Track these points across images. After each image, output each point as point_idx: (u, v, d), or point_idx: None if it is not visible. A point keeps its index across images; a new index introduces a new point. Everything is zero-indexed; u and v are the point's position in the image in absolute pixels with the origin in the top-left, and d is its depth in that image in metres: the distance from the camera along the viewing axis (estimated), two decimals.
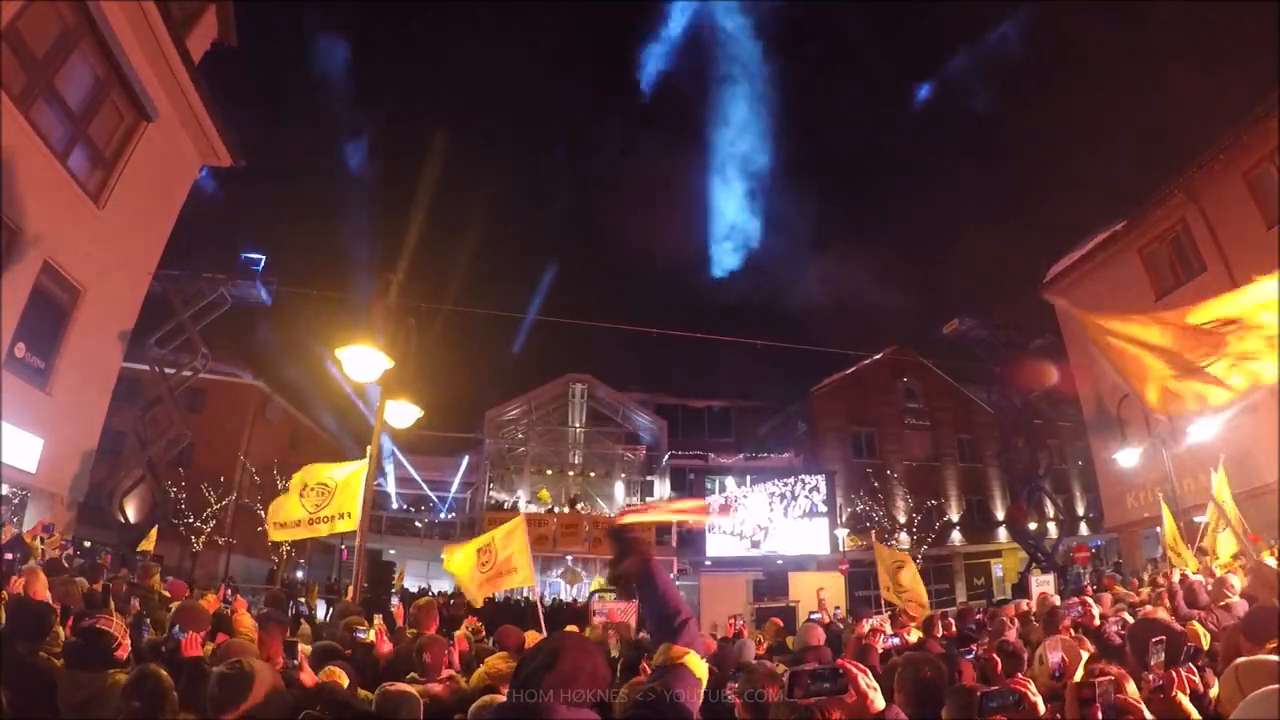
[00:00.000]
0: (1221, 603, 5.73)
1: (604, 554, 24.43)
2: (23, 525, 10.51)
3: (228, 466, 23.18)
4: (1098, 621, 5.21)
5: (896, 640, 6.15)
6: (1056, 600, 8.07)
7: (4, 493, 10.71)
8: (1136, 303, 15.67)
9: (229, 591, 8.44)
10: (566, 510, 25.87)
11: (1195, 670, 2.37)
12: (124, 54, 10.77)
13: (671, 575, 2.00)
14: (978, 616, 7.61)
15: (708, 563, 23.38)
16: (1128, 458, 12.79)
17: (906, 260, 73.58)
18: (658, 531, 21.00)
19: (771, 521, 23.41)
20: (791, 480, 23.92)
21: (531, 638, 5.03)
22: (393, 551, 26.24)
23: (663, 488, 28.88)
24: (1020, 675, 2.75)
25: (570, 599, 21.54)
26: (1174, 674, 2.17)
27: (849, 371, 27.98)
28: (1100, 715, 1.25)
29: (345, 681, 3.02)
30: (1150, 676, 2.18)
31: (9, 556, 7.26)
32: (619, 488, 29.18)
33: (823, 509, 23.19)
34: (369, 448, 7.35)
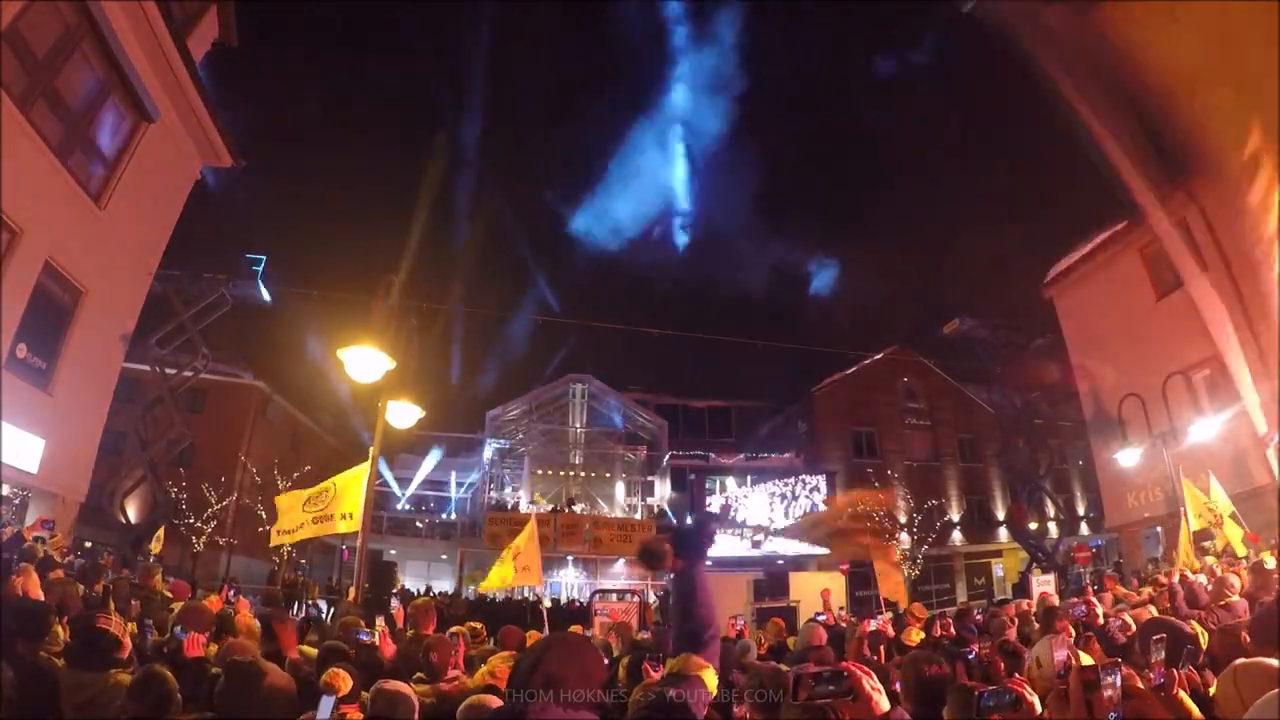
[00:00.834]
0: (1221, 602, 5.74)
1: (605, 554, 24.48)
2: (24, 526, 10.52)
3: (228, 467, 23.19)
4: (1101, 620, 5.23)
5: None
6: (1055, 600, 8.08)
7: (5, 493, 10.72)
8: (1137, 302, 15.70)
9: (231, 592, 8.44)
10: (566, 510, 25.88)
11: (1195, 670, 2.38)
12: (125, 55, 10.78)
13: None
14: (977, 617, 7.61)
15: (708, 563, 23.28)
16: (1128, 457, 12.78)
17: (907, 260, 73.55)
18: (657, 530, 21.02)
19: (772, 522, 23.42)
20: (792, 480, 23.93)
21: (533, 638, 5.04)
22: (393, 552, 26.24)
23: (663, 488, 28.89)
24: (1017, 675, 2.76)
25: (570, 599, 21.55)
26: (1175, 672, 2.17)
27: (850, 371, 27.99)
28: (1105, 700, 1.24)
29: (349, 683, 3.01)
30: (1150, 675, 2.19)
31: (7, 556, 7.28)
32: (619, 488, 29.19)
33: (823, 509, 23.19)
34: (371, 450, 7.37)
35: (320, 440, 29.38)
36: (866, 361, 27.81)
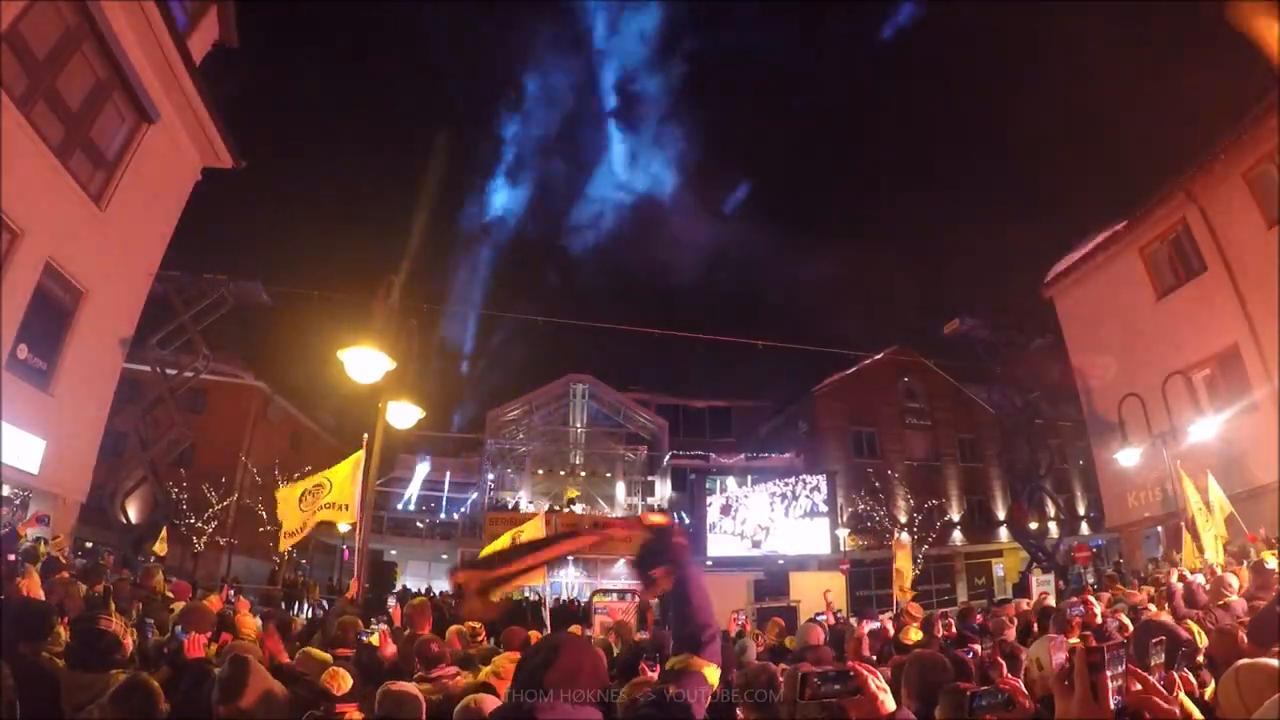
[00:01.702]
0: (1220, 602, 5.74)
1: (605, 554, 24.47)
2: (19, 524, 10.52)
3: (229, 467, 23.20)
4: (1100, 620, 5.23)
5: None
6: (1051, 601, 8.09)
7: (6, 494, 10.72)
8: (1137, 302, 15.69)
9: (232, 593, 8.46)
10: (567, 510, 25.89)
11: (1189, 672, 2.38)
12: (125, 55, 10.79)
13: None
14: (978, 617, 7.61)
15: (709, 563, 23.39)
16: (1128, 457, 12.77)
17: (907, 259, 73.55)
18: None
19: (773, 521, 23.42)
20: (792, 480, 23.92)
21: (535, 638, 5.04)
22: (394, 552, 26.27)
23: (664, 488, 28.90)
24: (1008, 675, 2.76)
25: (571, 599, 21.55)
26: (1173, 675, 2.17)
27: (850, 371, 27.99)
28: (1108, 683, 1.24)
29: (349, 682, 3.02)
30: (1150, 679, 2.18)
31: (11, 558, 7.28)
32: (620, 488, 29.20)
33: (823, 509, 23.19)
34: (365, 436, 7.36)
35: (320, 440, 29.39)
36: (866, 361, 27.80)
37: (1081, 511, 27.09)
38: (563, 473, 28.95)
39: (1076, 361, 17.66)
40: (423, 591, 19.21)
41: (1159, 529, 15.27)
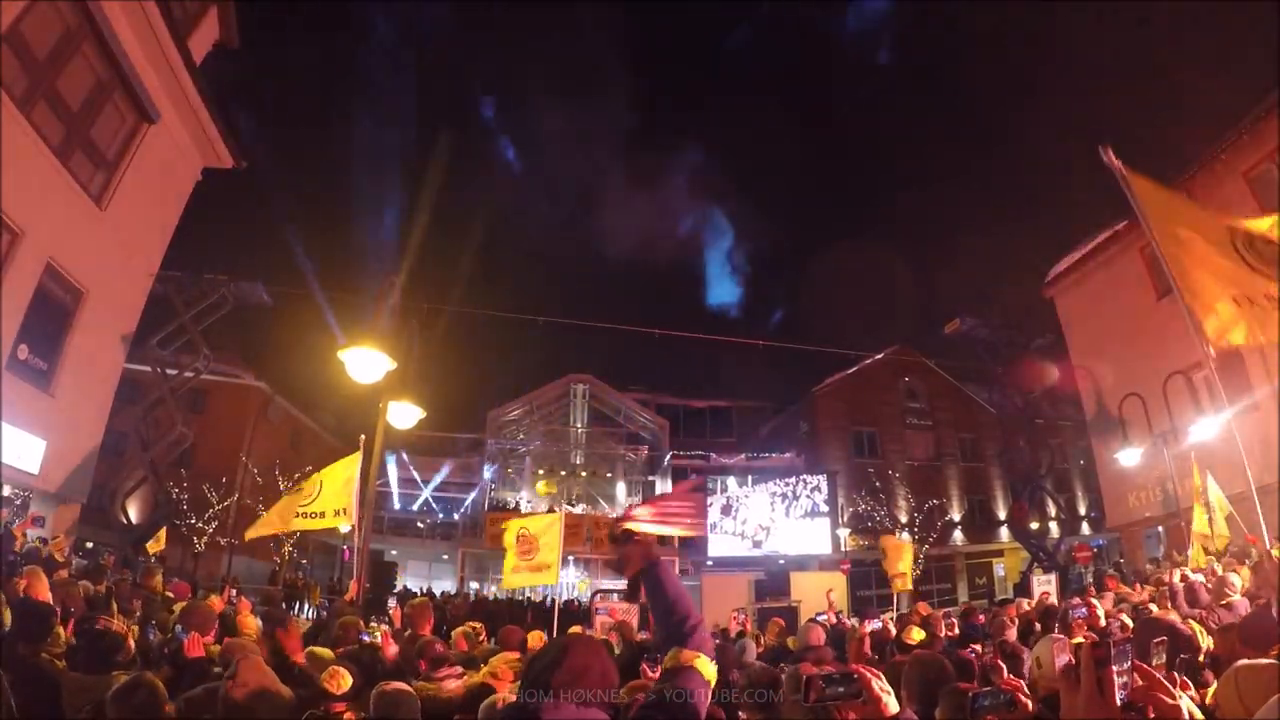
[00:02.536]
0: (1223, 601, 5.73)
1: (605, 554, 24.46)
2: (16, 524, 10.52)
3: (229, 467, 23.20)
4: (1102, 621, 5.22)
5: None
6: (1054, 601, 8.09)
7: (6, 494, 10.73)
8: (1138, 302, 15.68)
9: (233, 593, 8.46)
10: (568, 510, 25.89)
11: (1192, 671, 2.37)
12: (125, 55, 10.78)
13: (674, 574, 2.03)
14: (980, 617, 7.61)
15: (709, 563, 23.39)
16: (1129, 457, 12.77)
17: (908, 259, 73.55)
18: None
19: (773, 521, 23.42)
20: (793, 480, 23.91)
21: (534, 637, 5.04)
22: (395, 552, 26.27)
23: (664, 488, 28.88)
24: (1009, 676, 2.76)
25: (571, 599, 21.56)
26: (1175, 675, 2.16)
27: (850, 371, 27.97)
28: (1114, 678, 1.24)
29: (349, 682, 3.02)
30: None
31: (11, 559, 7.29)
32: (620, 488, 29.20)
33: (824, 509, 23.17)
34: (362, 437, 7.33)
35: (321, 440, 29.39)
36: (867, 361, 27.79)
37: (1082, 511, 27.08)
38: (563, 473, 28.96)
39: (1077, 361, 17.66)
40: (423, 592, 19.24)
41: (1160, 529, 15.27)
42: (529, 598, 20.74)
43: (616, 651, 5.60)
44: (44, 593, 5.25)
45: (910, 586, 12.64)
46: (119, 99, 11.24)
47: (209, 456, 22.45)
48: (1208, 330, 3.31)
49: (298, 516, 7.31)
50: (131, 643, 3.55)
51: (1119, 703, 1.23)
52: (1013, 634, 5.77)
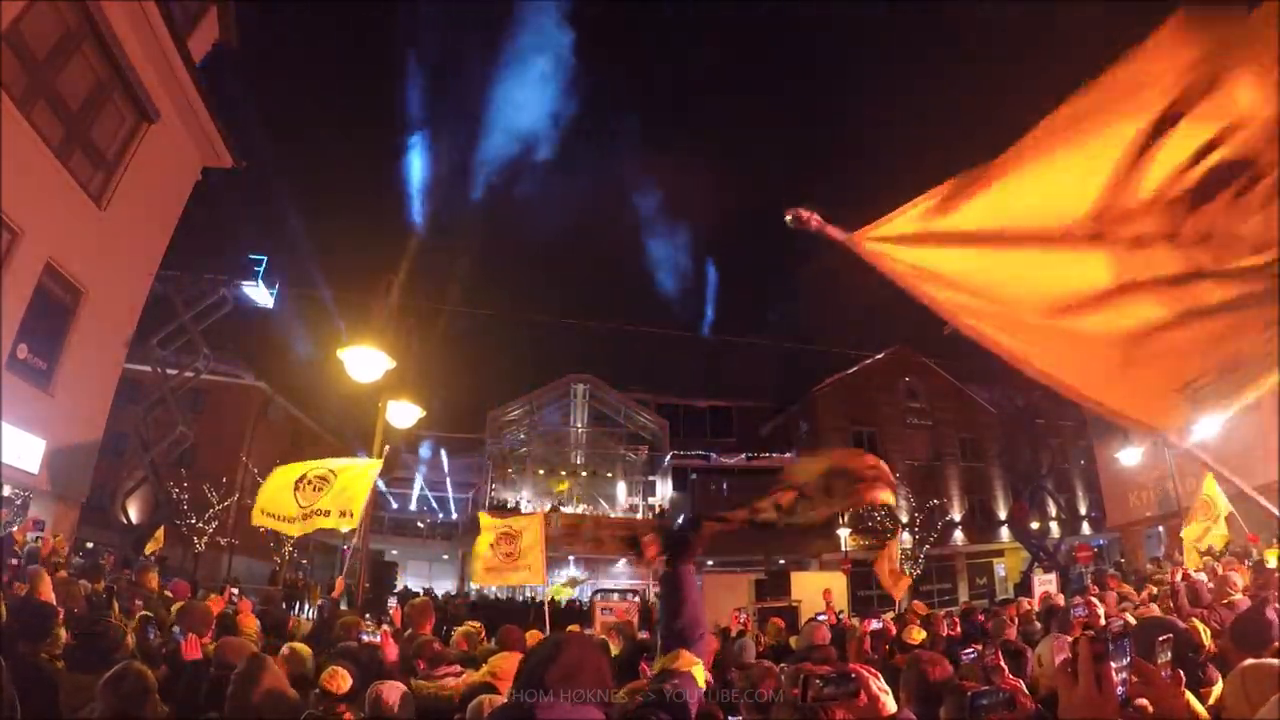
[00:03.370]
0: (1225, 601, 5.72)
1: (606, 554, 24.47)
2: (16, 527, 10.52)
3: (230, 467, 23.19)
4: (1103, 621, 5.20)
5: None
6: (1060, 600, 8.07)
7: (6, 494, 10.72)
8: None
9: (234, 593, 8.44)
10: (569, 510, 25.88)
11: (1196, 671, 2.36)
12: (125, 55, 10.78)
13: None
14: (980, 617, 7.60)
15: (710, 562, 23.39)
16: (1129, 457, 12.80)
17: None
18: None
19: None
20: None
21: (533, 637, 5.03)
22: (395, 552, 26.26)
23: (664, 488, 28.88)
24: (1009, 676, 2.75)
25: (571, 598, 21.55)
26: (1180, 673, 2.15)
27: (851, 371, 27.97)
28: (1113, 674, 1.22)
29: (349, 682, 3.01)
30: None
31: (14, 562, 7.27)
32: (621, 488, 29.19)
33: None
34: (386, 447, 7.27)
35: (321, 440, 29.38)
36: (867, 361, 27.78)
37: (1083, 511, 27.06)
38: (564, 473, 28.95)
39: None
40: (423, 592, 19.23)
41: (1160, 529, 15.27)
42: (530, 598, 20.72)
43: (615, 652, 5.59)
44: (47, 593, 5.24)
45: (900, 593, 12.21)
46: (119, 99, 11.23)
47: (209, 456, 22.44)
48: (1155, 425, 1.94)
49: (308, 517, 7.01)
50: (131, 639, 3.54)
51: (1119, 698, 1.22)
52: (1013, 633, 5.75)
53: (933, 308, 1.74)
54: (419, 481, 28.39)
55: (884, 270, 1.67)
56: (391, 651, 4.66)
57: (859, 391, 27.64)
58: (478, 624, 5.77)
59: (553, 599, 20.65)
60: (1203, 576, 7.37)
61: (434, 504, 28.61)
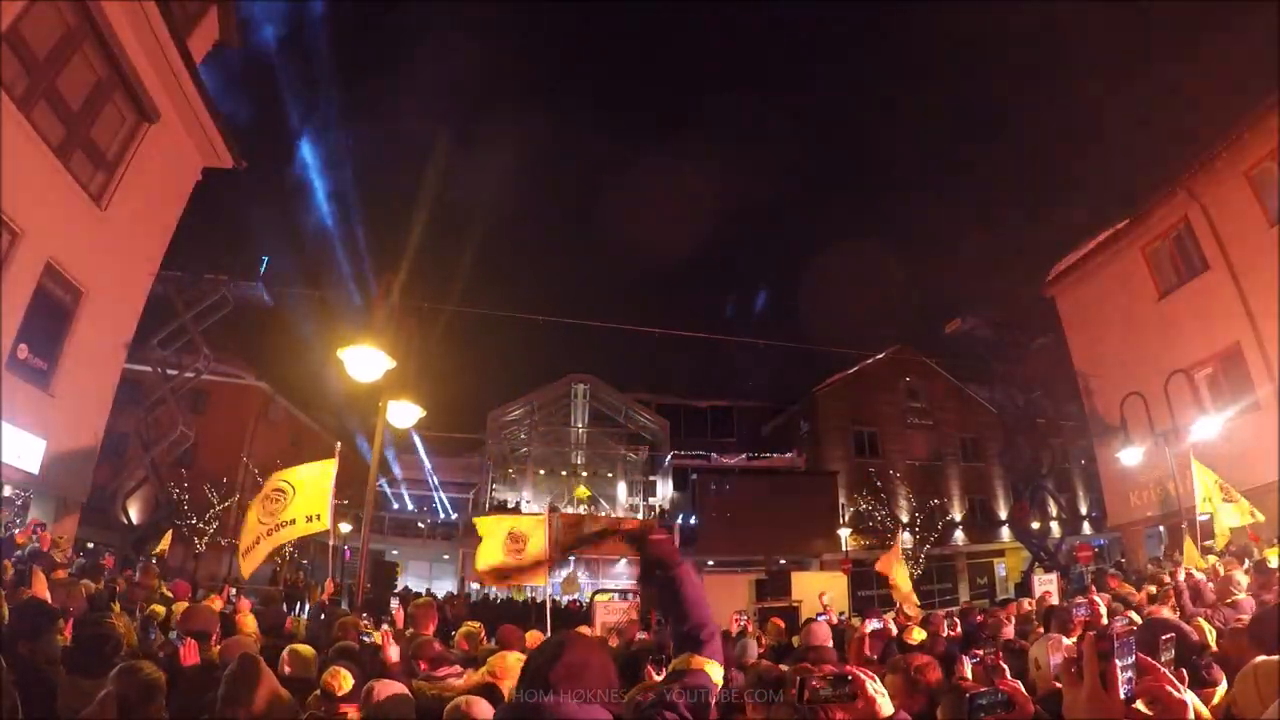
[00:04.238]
0: (1228, 600, 5.71)
1: (606, 554, 24.45)
2: (19, 529, 10.51)
3: (230, 467, 23.20)
4: (1104, 619, 5.20)
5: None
6: (1055, 600, 8.06)
7: (6, 494, 10.72)
8: (1139, 301, 15.66)
9: (233, 593, 8.44)
10: (569, 510, 25.87)
11: (1199, 671, 2.36)
12: (125, 55, 10.78)
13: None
14: (978, 617, 7.59)
15: (710, 563, 23.38)
16: (1130, 456, 12.75)
17: (909, 258, 73.58)
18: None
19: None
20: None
21: (533, 638, 5.03)
22: (395, 552, 26.27)
23: (665, 487, 28.88)
24: (1006, 677, 2.75)
25: (572, 599, 21.53)
26: (1183, 672, 2.15)
27: (851, 371, 27.96)
28: (1118, 672, 1.23)
29: (350, 682, 3.01)
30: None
31: (19, 567, 7.26)
32: (621, 488, 29.19)
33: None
34: (338, 444, 7.20)
35: (321, 440, 29.37)
36: (868, 361, 27.77)
37: (1084, 511, 27.05)
38: (564, 473, 28.94)
39: (1078, 360, 17.63)
40: (425, 592, 19.23)
41: (1161, 529, 15.24)
42: (531, 598, 20.72)
43: (614, 646, 5.58)
44: (41, 592, 5.24)
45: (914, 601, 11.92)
46: (119, 99, 11.23)
47: (210, 457, 22.44)
48: None
49: (272, 532, 6.94)
50: (134, 636, 3.54)
51: (1124, 697, 1.22)
52: (1010, 632, 5.75)
53: None
54: (420, 481, 28.38)
55: None
56: (394, 652, 4.66)
57: (860, 391, 27.64)
58: (478, 624, 5.76)
59: (552, 599, 20.68)
60: (1202, 576, 7.36)
61: (435, 504, 28.61)
